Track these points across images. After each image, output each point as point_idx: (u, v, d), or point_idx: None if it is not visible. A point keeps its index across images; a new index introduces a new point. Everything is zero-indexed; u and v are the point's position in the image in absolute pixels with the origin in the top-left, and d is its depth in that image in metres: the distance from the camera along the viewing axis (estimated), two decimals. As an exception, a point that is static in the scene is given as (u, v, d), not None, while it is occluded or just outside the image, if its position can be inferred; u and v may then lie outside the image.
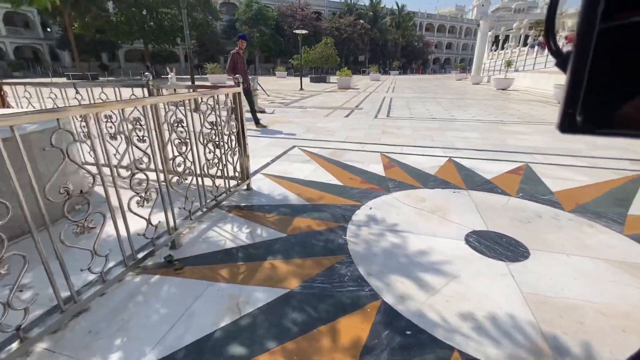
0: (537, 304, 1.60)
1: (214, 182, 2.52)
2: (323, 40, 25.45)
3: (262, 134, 5.71)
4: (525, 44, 25.52)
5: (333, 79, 24.21)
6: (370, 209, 2.67)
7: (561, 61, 0.34)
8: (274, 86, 20.53)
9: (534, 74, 18.76)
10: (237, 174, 2.91)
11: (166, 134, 2.20)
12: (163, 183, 1.92)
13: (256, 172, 3.60)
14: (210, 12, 37.02)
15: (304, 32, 17.86)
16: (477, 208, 2.70)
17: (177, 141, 2.12)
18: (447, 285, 1.73)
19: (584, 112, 0.30)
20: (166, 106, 2.04)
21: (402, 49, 61.38)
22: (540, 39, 25.43)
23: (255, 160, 4.01)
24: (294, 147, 4.77)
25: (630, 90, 0.27)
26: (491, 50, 30.41)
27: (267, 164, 3.90)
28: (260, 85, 8.97)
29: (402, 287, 1.70)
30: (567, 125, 0.32)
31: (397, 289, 1.68)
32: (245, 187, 3.05)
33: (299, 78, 20.55)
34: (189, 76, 9.42)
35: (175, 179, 2.10)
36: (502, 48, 31.14)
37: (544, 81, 17.53)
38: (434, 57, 74.75)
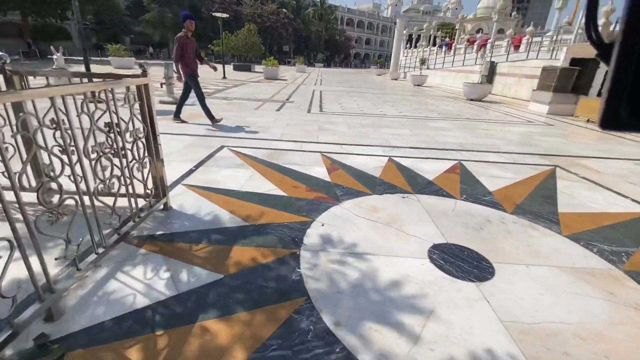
0: (520, 335, 1.45)
1: (113, 207, 1.82)
2: (246, 26, 24.00)
3: (180, 132, 4.85)
4: (434, 44, 28.16)
5: (259, 68, 23.10)
6: (323, 225, 2.30)
7: (603, 52, 0.32)
8: (192, 74, 18.60)
9: (443, 72, 20.76)
10: (148, 191, 2.22)
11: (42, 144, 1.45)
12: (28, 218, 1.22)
13: (176, 183, 2.91)
14: (109, -18, 31.77)
15: (224, 15, 16.44)
16: (430, 215, 2.56)
17: (56, 149, 1.41)
18: (427, 326, 1.47)
19: (630, 106, 0.28)
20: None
21: (325, 42, 62.29)
22: (447, 40, 28.37)
23: (174, 167, 3.28)
24: (222, 147, 4.11)
25: None
26: (405, 48, 32.79)
27: (190, 172, 3.21)
28: (175, 72, 7.78)
29: (379, 339, 1.37)
30: (611, 120, 0.29)
31: (375, 343, 1.35)
32: (161, 206, 2.38)
33: (221, 65, 18.99)
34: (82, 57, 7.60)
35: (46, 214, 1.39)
36: (415, 47, 33.90)
37: (451, 79, 19.54)
38: (355, 52, 77.95)
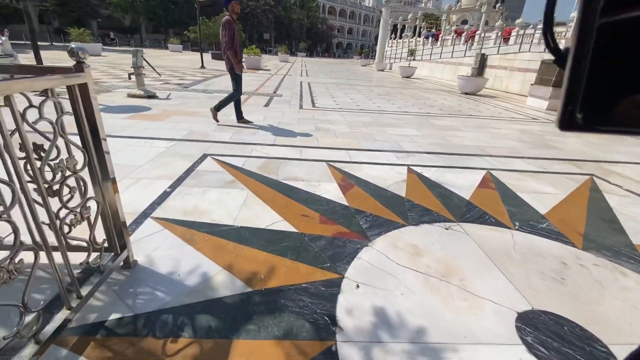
0: None
1: (26, 291, 1.06)
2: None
3: (152, 134, 4.00)
4: (419, 35, 27.68)
5: None
6: (358, 287, 1.62)
7: (559, 58, 0.34)
8: (167, 62, 17.26)
9: (431, 63, 20.33)
10: (97, 240, 1.46)
11: None
12: None
13: (143, 216, 2.13)
14: (71, -40, 29.09)
15: (201, -2, 15.12)
16: (491, 259, 1.94)
17: None
18: None
19: (583, 109, 0.30)
20: None
21: (307, 31, 60.70)
22: (434, 31, 27.96)
23: (142, 188, 2.50)
24: (205, 157, 3.33)
25: (630, 87, 0.27)
26: (390, 39, 32.19)
27: (164, 196, 2.43)
28: (146, 61, 6.78)
29: None
30: (567, 122, 0.30)
31: None
32: (121, 263, 1.62)
33: (198, 53, 17.67)
34: (44, 43, 6.32)
35: None
36: (400, 37, 33.33)
37: (439, 71, 19.14)
38: (337, 42, 76.66)
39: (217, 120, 4.76)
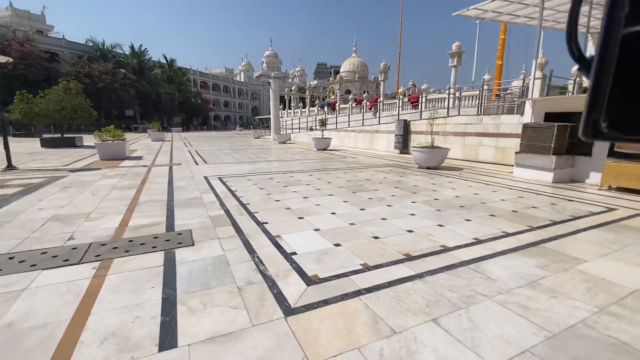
0: None
1: None
2: (62, 83, 16.13)
3: None
4: (312, 105, 27.23)
5: (91, 139, 15.09)
6: None
7: (584, 66, 0.33)
8: None
9: (339, 132, 18.82)
10: None
11: None
12: None
13: None
14: None
15: (6, 59, 9.18)
16: None
17: None
18: None
19: (608, 118, 0.29)
20: None
21: (179, 104, 55.84)
22: (330, 99, 28.01)
23: None
24: None
25: None
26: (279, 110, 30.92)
27: None
28: None
29: None
30: (592, 131, 0.30)
31: None
32: None
33: (24, 140, 10.82)
34: None
35: None
36: (289, 108, 32.67)
37: (351, 140, 17.55)
38: (215, 114, 73.95)
39: None
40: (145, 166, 9.27)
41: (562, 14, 11.02)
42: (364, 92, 25.77)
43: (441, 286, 2.41)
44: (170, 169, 8.78)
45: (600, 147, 6.75)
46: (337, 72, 35.81)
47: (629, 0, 0.27)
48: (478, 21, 12.12)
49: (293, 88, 34.71)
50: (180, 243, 3.24)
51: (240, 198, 5.25)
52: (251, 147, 17.26)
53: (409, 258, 2.92)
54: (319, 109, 24.75)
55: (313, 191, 5.85)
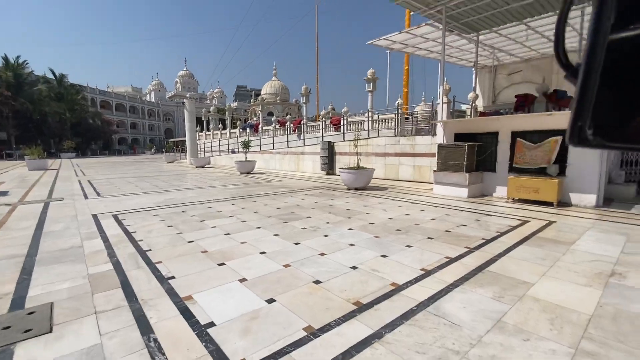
0: None
1: None
2: None
3: None
4: (234, 127, 25.93)
5: None
6: None
7: (571, 73, 0.33)
8: None
9: (264, 154, 18.12)
10: None
11: None
12: None
13: None
14: None
15: None
16: None
17: None
18: None
19: (594, 125, 0.29)
20: None
21: (73, 127, 47.89)
22: (253, 121, 26.93)
23: None
24: None
25: None
26: (196, 132, 28.75)
27: None
28: None
29: None
30: (577, 138, 0.30)
31: None
32: None
33: None
34: None
35: None
36: (208, 130, 30.60)
37: (276, 162, 17.02)
38: (119, 137, 65.55)
39: None
40: (7, 205, 7.05)
41: (455, 49, 12.66)
42: (287, 114, 25.79)
43: (407, 347, 1.91)
44: (46, 206, 6.82)
45: (502, 164, 7.55)
46: (257, 95, 35.35)
47: (616, 4, 0.26)
48: (388, 51, 13.08)
49: (212, 109, 32.81)
50: (28, 331, 2.11)
51: (140, 242, 4.10)
52: (162, 174, 15.23)
53: (361, 308, 2.38)
54: (241, 130, 23.64)
55: (237, 224, 5.01)
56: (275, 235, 4.38)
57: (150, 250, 3.81)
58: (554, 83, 13.08)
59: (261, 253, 3.64)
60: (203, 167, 19.89)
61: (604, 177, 6.36)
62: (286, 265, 3.24)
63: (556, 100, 9.76)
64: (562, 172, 6.54)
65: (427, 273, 3.04)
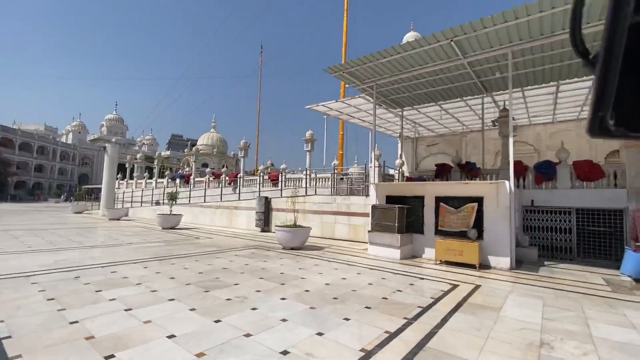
0: None
1: None
2: None
3: None
4: (162, 176, 23.89)
5: None
6: None
7: (589, 61, 0.31)
8: None
9: (193, 207, 16.77)
10: None
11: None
12: None
13: None
14: None
15: None
16: None
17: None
18: None
19: (616, 115, 0.27)
20: None
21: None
22: (185, 171, 25.11)
23: None
24: None
25: None
26: (116, 180, 25.85)
27: None
28: None
29: None
30: (598, 128, 0.29)
31: None
32: None
33: None
34: None
35: None
36: (131, 178, 27.74)
37: (207, 216, 15.80)
38: (18, 180, 55.60)
39: None
40: None
41: (384, 120, 14.12)
42: (223, 167, 24.99)
43: None
44: None
45: (429, 227, 7.98)
46: (193, 145, 34.09)
47: None
48: (325, 116, 13.97)
49: (139, 156, 30.33)
50: None
51: (-3, 326, 3.02)
52: (63, 227, 12.81)
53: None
54: (170, 180, 21.87)
55: (144, 296, 4.12)
56: (191, 310, 3.65)
57: (11, 337, 2.80)
58: (465, 156, 15.18)
59: (169, 337, 2.91)
60: (119, 219, 17.44)
61: (513, 241, 7.07)
62: (199, 355, 2.60)
63: (468, 170, 11.20)
64: (480, 236, 7.12)
65: (368, 355, 2.69)
